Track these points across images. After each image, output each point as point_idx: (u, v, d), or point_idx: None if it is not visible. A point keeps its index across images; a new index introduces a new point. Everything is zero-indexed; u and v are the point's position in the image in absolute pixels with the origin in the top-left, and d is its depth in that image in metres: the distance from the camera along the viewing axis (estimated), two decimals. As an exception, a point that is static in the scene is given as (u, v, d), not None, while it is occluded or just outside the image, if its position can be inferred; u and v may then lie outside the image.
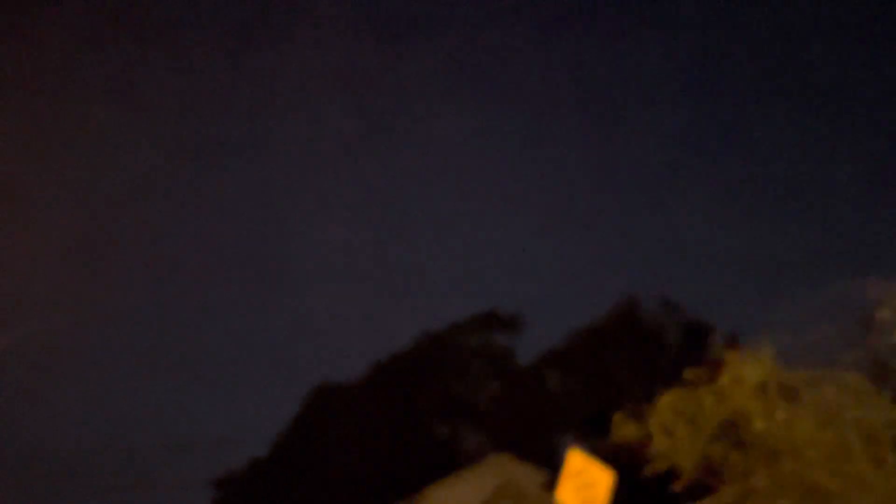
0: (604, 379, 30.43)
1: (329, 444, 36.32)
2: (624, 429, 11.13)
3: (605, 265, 56.96)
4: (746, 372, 10.51)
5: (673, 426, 10.93)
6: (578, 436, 29.11)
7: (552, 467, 20.11)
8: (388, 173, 65.74)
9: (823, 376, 10.52)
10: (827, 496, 10.40)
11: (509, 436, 32.42)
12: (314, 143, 65.21)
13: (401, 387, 36.36)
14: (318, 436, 36.99)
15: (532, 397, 33.52)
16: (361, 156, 64.73)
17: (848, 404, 10.26)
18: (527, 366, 35.56)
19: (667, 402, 10.95)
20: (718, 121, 61.26)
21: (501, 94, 65.09)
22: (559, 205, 64.54)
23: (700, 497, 12.11)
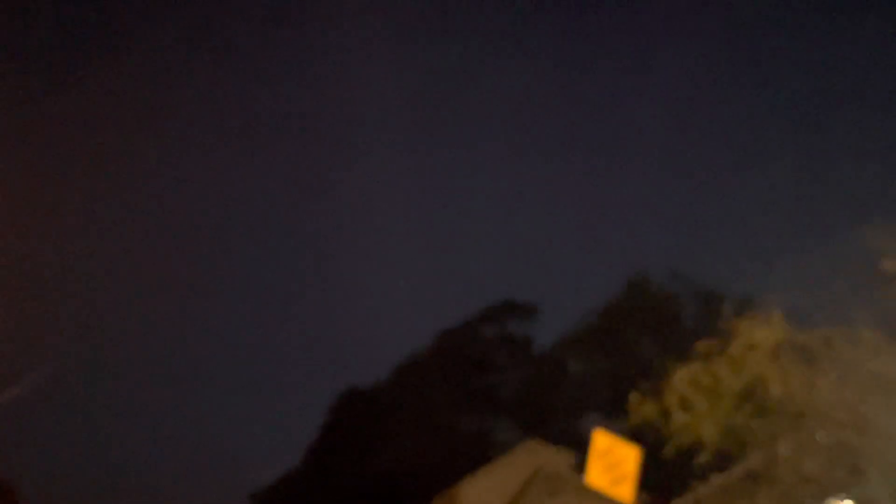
0: (623, 357, 30.33)
1: (361, 449, 36.42)
2: (641, 409, 11.07)
3: (613, 243, 56.75)
4: (758, 337, 10.42)
5: (692, 400, 10.87)
6: (603, 415, 29.09)
7: (581, 449, 20.11)
8: (401, 178, 65.75)
9: (837, 334, 10.41)
10: (854, 454, 10.32)
11: (537, 422, 32.41)
12: (332, 152, 65.37)
13: (425, 386, 36.41)
14: (348, 442, 37.10)
15: (554, 382, 33.49)
16: (373, 162, 64.74)
17: (864, 360, 10.14)
18: (546, 351, 35.54)
19: (682, 376, 10.89)
20: (713, 83, 60.88)
21: (502, 83, 64.99)
22: (562, 188, 64.38)
23: (727, 467, 12.06)
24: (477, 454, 31.87)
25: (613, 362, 31.62)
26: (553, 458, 26.62)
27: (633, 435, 11.33)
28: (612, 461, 10.64)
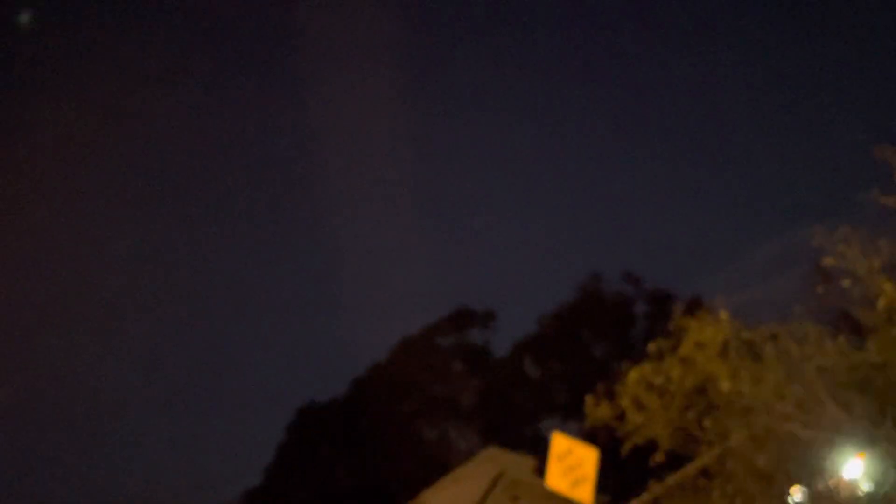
0: (578, 360, 30.63)
1: (320, 464, 36.15)
2: (597, 410, 11.21)
3: (565, 247, 57.42)
4: (707, 336, 10.63)
5: (645, 400, 11.03)
6: (561, 419, 29.33)
7: (542, 453, 20.22)
8: (355, 189, 65.58)
9: (783, 330, 10.67)
10: (803, 445, 10.58)
11: (497, 428, 32.52)
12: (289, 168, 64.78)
13: (384, 397, 36.29)
14: (307, 457, 36.80)
15: (513, 387, 33.67)
16: (329, 173, 64.38)
17: (810, 354, 10.41)
18: (503, 357, 35.75)
19: (635, 376, 11.04)
20: (661, 89, 61.96)
21: (452, 90, 65.23)
22: (515, 193, 64.82)
23: (681, 465, 12.26)
24: (438, 463, 31.86)
25: (569, 365, 31.91)
26: (514, 463, 26.70)
27: (590, 436, 11.45)
28: (572, 463, 10.73)
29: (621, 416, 11.14)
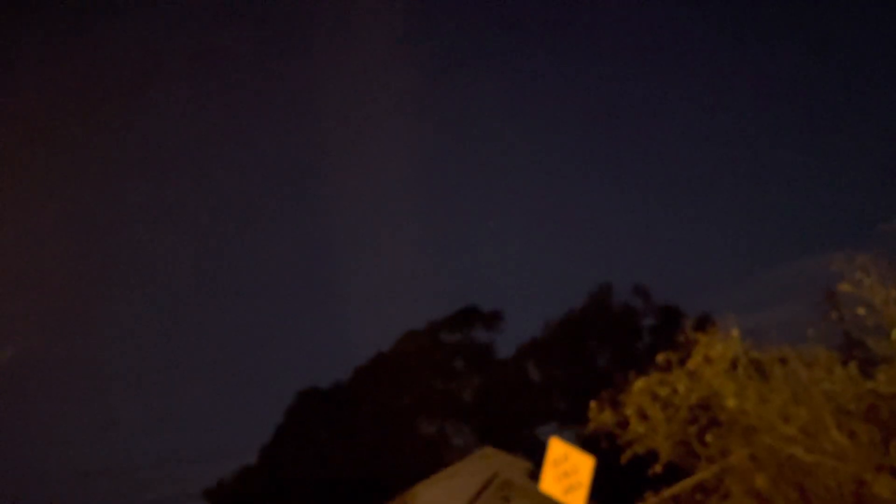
0: (582, 367, 30.61)
1: (316, 448, 36.27)
2: (600, 416, 11.22)
3: (578, 257, 57.32)
4: (716, 352, 10.61)
5: (648, 410, 11.03)
6: (559, 425, 29.32)
7: (537, 457, 20.26)
8: (367, 175, 65.70)
9: (792, 352, 10.65)
10: (803, 470, 10.55)
11: (494, 429, 32.53)
12: (301, 157, 64.99)
13: (384, 387, 36.38)
14: (304, 441, 36.93)
15: (514, 390, 33.68)
16: (333, 158, 64.62)
17: (818, 379, 10.38)
18: (507, 359, 35.75)
19: (641, 386, 11.04)
20: (681, 110, 61.75)
21: (470, 92, 65.22)
22: (532, 200, 64.80)
23: (679, 478, 12.25)
24: (433, 458, 31.91)
25: (572, 373, 31.90)
26: (509, 464, 26.77)
27: (591, 441, 11.47)
28: (567, 469, 10.75)
29: (624, 424, 11.14)
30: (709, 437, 10.89)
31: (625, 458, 11.18)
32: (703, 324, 11.60)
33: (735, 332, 10.70)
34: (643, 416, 11.03)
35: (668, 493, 12.43)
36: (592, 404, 11.19)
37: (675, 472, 11.68)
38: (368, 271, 61.76)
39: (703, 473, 11.41)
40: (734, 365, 10.72)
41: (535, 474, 24.49)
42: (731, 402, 10.49)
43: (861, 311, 10.31)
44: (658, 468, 11.10)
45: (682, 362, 11.00)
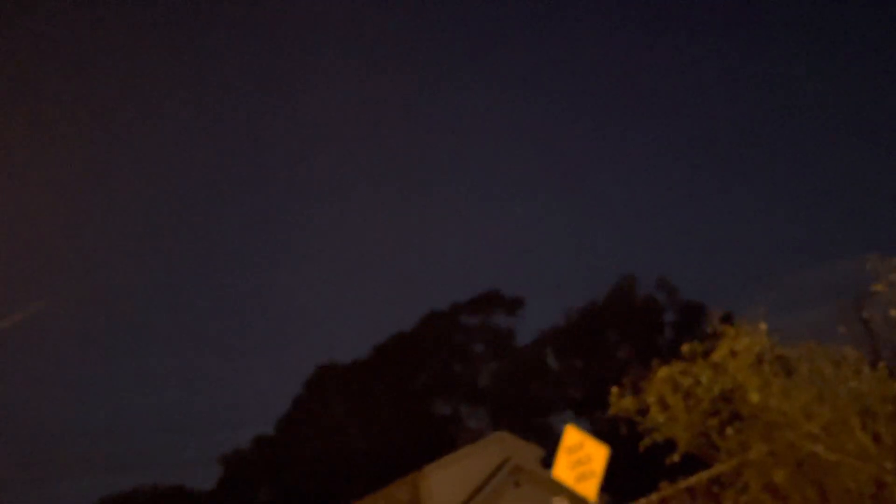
0: (602, 357, 30.50)
1: (332, 422, 36.52)
2: (621, 402, 11.18)
3: (603, 248, 57.01)
4: (742, 345, 10.52)
5: (670, 399, 10.97)
6: (576, 413, 29.27)
7: (550, 444, 20.29)
8: (392, 157, 65.79)
9: (819, 350, 10.53)
10: (823, 468, 10.45)
11: (509, 414, 32.56)
12: (319, 128, 65.09)
13: (402, 366, 36.52)
14: (320, 414, 37.19)
15: (531, 376, 33.65)
16: (363, 140, 64.71)
17: (844, 378, 10.27)
18: (526, 345, 35.72)
19: (664, 375, 10.98)
20: (713, 105, 61.03)
21: (502, 77, 64.90)
22: (560, 188, 64.53)
23: (696, 470, 12.20)
24: (446, 439, 32.02)
25: (590, 363, 31.82)
26: (521, 450, 26.84)
27: (609, 427, 11.44)
28: (581, 457, 10.75)
29: (644, 412, 11.09)
30: (729, 431, 10.81)
31: (643, 445, 11.14)
32: (730, 318, 11.50)
33: (763, 326, 10.59)
34: (664, 405, 10.97)
35: (683, 483, 12.38)
36: (614, 389, 11.15)
37: (692, 464, 11.62)
38: (398, 253, 61.93)
39: (722, 466, 11.34)
40: (760, 360, 10.61)
41: (547, 461, 24.50)
42: (754, 397, 10.40)
43: (894, 312, 10.17)
44: (676, 458, 11.05)
45: (707, 354, 10.92)
